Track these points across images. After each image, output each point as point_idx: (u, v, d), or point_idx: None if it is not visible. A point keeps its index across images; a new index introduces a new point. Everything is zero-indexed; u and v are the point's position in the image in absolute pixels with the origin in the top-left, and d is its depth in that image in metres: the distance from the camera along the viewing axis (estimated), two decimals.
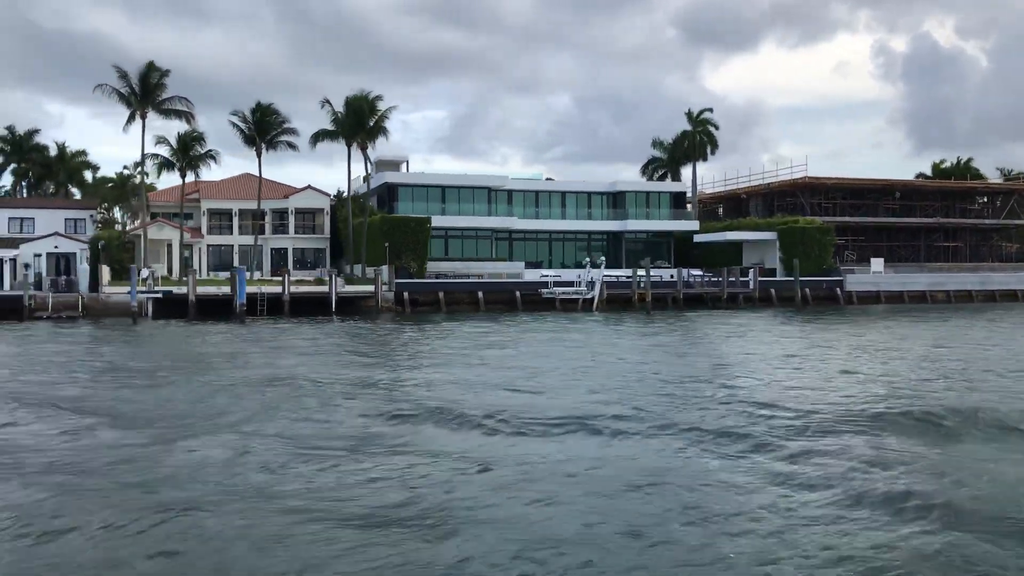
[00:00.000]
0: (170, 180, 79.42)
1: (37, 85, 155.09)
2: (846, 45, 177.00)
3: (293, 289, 49.43)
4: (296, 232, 66.06)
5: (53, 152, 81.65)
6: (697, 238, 70.79)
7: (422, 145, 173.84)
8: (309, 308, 48.84)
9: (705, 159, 78.98)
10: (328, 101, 55.41)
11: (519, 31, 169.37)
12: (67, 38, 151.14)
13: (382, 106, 54.71)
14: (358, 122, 53.75)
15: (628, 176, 79.46)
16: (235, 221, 65.75)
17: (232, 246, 65.39)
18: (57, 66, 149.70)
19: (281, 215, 67.14)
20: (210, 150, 54.69)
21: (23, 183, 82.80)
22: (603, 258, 54.30)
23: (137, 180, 62.31)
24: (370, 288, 51.89)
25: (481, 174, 70.95)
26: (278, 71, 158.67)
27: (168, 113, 51.67)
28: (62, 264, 56.84)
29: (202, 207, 65.72)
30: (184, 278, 50.64)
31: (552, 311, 51.82)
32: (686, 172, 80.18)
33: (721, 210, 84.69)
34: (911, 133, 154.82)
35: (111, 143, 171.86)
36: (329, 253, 66.84)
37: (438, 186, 67.79)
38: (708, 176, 79.59)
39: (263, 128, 55.53)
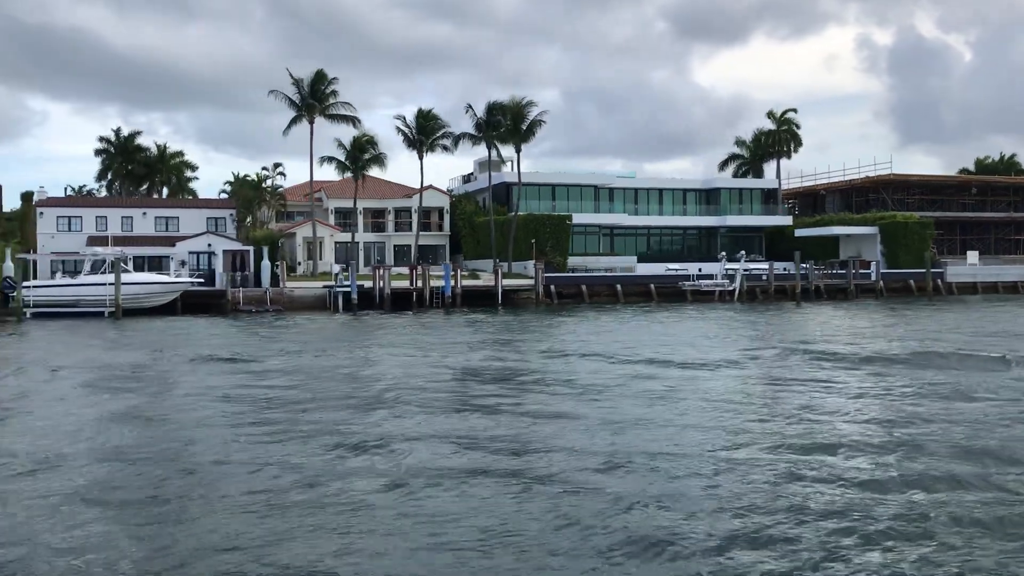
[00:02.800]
0: (295, 179, 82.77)
1: (19, 81, 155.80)
2: (835, 38, 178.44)
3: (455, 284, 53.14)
4: (418, 229, 69.45)
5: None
6: (797, 232, 74.23)
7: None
8: (474, 300, 52.50)
9: (789, 157, 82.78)
10: (471, 106, 59.10)
11: (508, 25, 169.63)
12: (50, 33, 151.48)
13: (533, 111, 58.15)
14: (514, 126, 57.23)
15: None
16: (359, 219, 69.03)
17: (358, 243, 68.69)
18: (39, 62, 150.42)
19: (403, 213, 70.54)
20: (380, 153, 58.06)
21: (128, 184, 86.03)
22: (743, 252, 57.83)
23: (271, 182, 65.55)
24: (523, 282, 55.67)
25: (588, 172, 74.63)
26: (265, 66, 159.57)
27: (335, 118, 55.13)
28: (211, 261, 60.09)
29: (328, 206, 69.08)
30: (343, 272, 54.02)
31: (691, 303, 55.51)
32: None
33: (797, 206, 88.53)
34: (897, 126, 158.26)
35: (92, 141, 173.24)
36: (448, 249, 70.26)
37: (549, 184, 71.50)
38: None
39: (426, 132, 59.02)
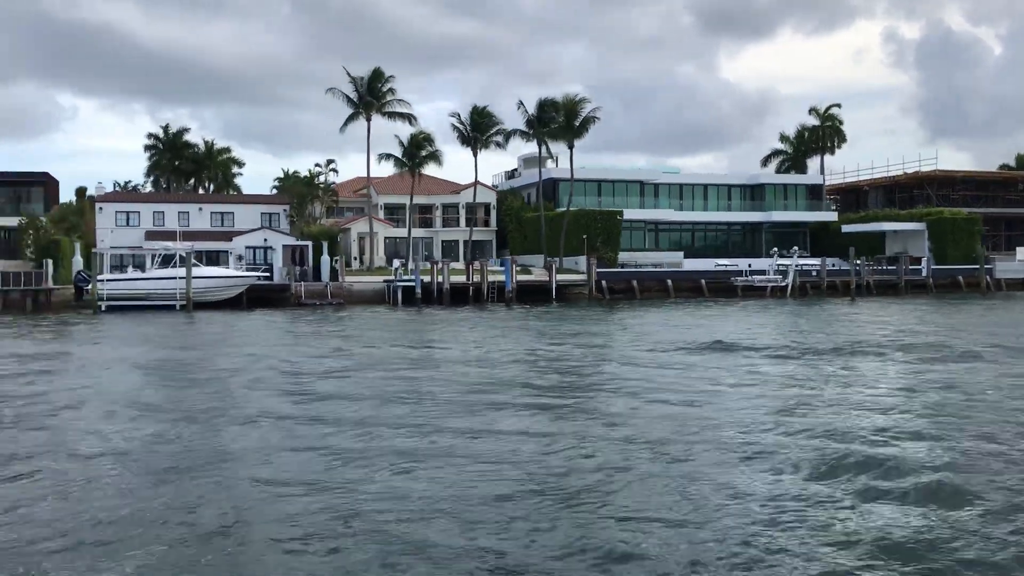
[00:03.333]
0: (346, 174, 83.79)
1: (50, 77, 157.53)
2: (862, 32, 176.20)
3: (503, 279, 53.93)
4: (465, 225, 70.14)
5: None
6: (843, 228, 74.16)
7: (435, 135, 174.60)
8: (528, 295, 53.15)
9: (832, 153, 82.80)
10: (522, 103, 59.80)
11: (533, 20, 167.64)
12: (80, 29, 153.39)
13: (585, 107, 58.72)
14: (567, 123, 57.85)
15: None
16: (413, 216, 69.90)
17: (407, 238, 69.53)
18: (69, 58, 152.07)
19: (449, 209, 71.33)
20: (436, 150, 58.90)
21: (175, 180, 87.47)
22: (796, 248, 58.13)
23: (324, 178, 66.55)
24: (575, 277, 56.36)
25: (634, 168, 75.08)
26: (288, 62, 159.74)
27: (391, 115, 56.05)
28: (269, 256, 61.17)
29: (377, 201, 69.99)
30: (402, 267, 54.89)
31: (741, 298, 55.87)
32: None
33: (839, 202, 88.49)
34: (925, 121, 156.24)
35: (120, 136, 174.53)
36: (495, 245, 70.96)
37: (595, 180, 72.02)
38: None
39: (480, 128, 59.81)
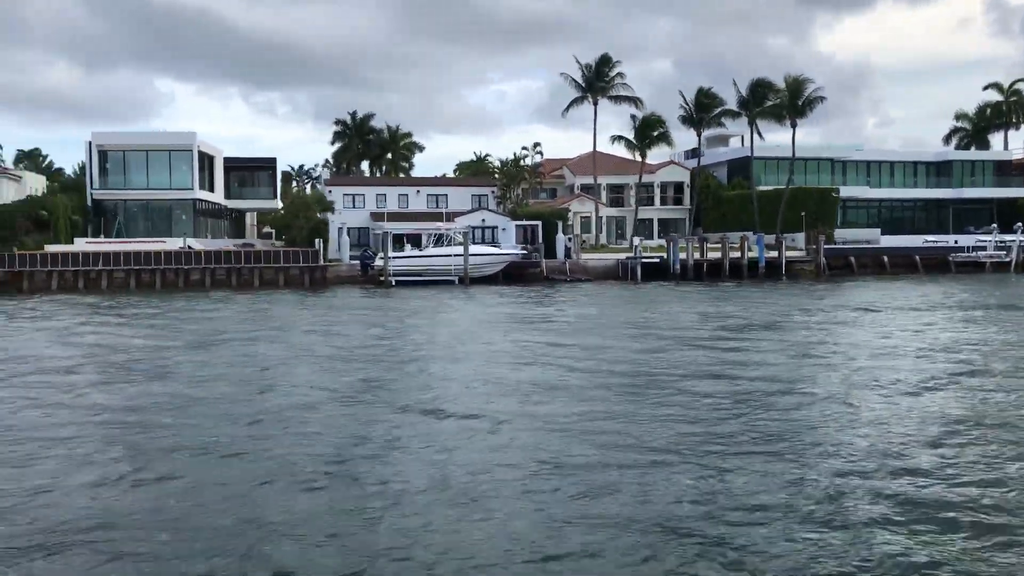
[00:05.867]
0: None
1: (148, 63, 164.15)
2: (964, 2, 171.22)
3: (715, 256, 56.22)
4: (660, 204, 72.57)
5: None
6: None
7: (519, 115, 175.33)
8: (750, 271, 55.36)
9: (1017, 128, 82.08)
10: (735, 82, 61.96)
11: None
12: (178, 15, 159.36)
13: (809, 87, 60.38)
14: (791, 102, 59.71)
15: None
16: (603, 195, 72.72)
17: (602, 217, 72.43)
18: (167, 43, 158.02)
19: (642, 188, 73.85)
20: (666, 131, 61.54)
21: (357, 162, 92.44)
22: (1020, 224, 58.79)
23: (527, 160, 69.85)
24: (796, 254, 58.36)
25: (823, 145, 76.17)
26: (378, 44, 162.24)
27: (617, 99, 58.93)
28: (487, 235, 64.81)
29: (574, 182, 73.02)
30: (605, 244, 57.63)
31: (955, 274, 56.89)
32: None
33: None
34: None
35: (215, 120, 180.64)
36: (689, 223, 73.23)
37: (787, 158, 73.44)
38: (994, 145, 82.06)
39: (704, 108, 62.34)
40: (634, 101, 59.78)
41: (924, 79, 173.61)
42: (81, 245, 53.49)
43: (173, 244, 54.58)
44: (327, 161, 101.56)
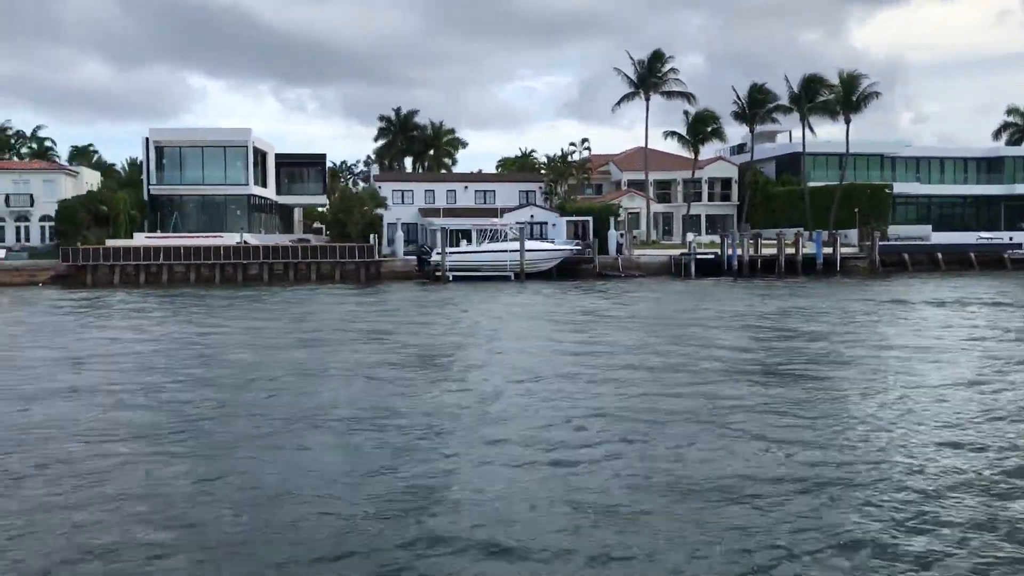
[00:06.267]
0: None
1: (180, 59, 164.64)
2: None
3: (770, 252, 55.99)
4: (708, 200, 72.26)
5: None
6: None
7: (547, 111, 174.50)
8: (806, 267, 55.04)
9: None
10: (787, 77, 61.66)
11: None
12: (208, 11, 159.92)
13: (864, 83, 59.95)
14: (845, 98, 59.23)
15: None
16: (650, 190, 72.53)
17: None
18: (199, 40, 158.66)
19: (689, 184, 73.63)
20: (719, 127, 61.44)
21: (400, 158, 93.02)
22: None
23: (574, 156, 69.90)
24: (849, 251, 58.00)
25: (873, 141, 75.39)
26: (408, 41, 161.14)
27: (670, 95, 58.89)
28: (536, 231, 64.94)
29: (621, 178, 72.96)
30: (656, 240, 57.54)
31: (1010, 271, 56.26)
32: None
33: None
34: None
35: (247, 117, 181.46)
36: (736, 219, 72.87)
37: (836, 154, 72.88)
38: None
39: (757, 104, 62.10)
40: (687, 96, 59.75)
41: (960, 73, 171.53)
42: (140, 240, 54.41)
43: (230, 239, 55.30)
44: (369, 157, 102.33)
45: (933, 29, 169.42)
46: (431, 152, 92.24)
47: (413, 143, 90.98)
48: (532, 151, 76.97)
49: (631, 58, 58.36)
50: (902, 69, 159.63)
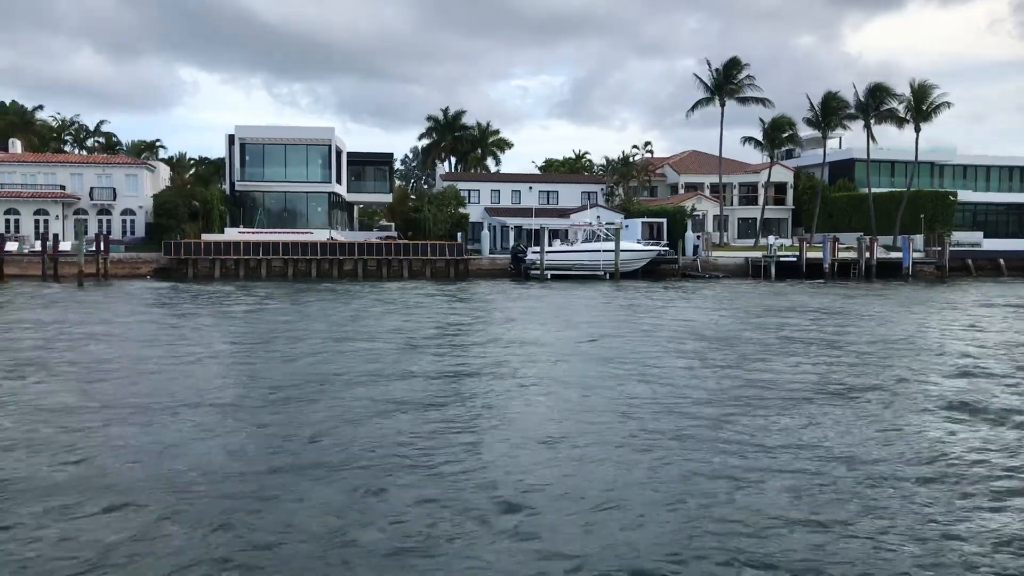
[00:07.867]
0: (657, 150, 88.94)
1: (173, 51, 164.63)
2: (993, 3, 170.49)
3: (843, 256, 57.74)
4: (765, 203, 73.88)
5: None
6: None
7: (539, 110, 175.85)
8: (880, 272, 56.75)
9: None
10: (855, 85, 63.47)
11: None
12: (203, 4, 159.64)
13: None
14: (916, 107, 60.90)
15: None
16: (706, 192, 74.19)
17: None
18: (192, 33, 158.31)
19: (744, 188, 75.29)
20: (794, 132, 62.96)
21: (453, 157, 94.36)
22: None
23: (636, 158, 71.41)
24: (915, 255, 59.77)
25: (926, 148, 77.24)
26: (402, 37, 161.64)
27: (745, 100, 60.51)
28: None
29: (677, 180, 74.53)
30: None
31: None
32: None
33: None
34: None
35: (239, 110, 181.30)
36: (791, 222, 74.60)
37: (889, 160, 74.79)
38: None
39: (830, 112, 63.72)
40: (763, 102, 61.38)
41: (952, 81, 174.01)
42: (233, 235, 55.62)
43: (320, 235, 56.58)
44: (407, 156, 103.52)
45: (926, 37, 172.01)
46: (477, 152, 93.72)
47: (460, 143, 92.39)
48: (586, 152, 78.50)
49: (708, 64, 60.25)
50: (896, 75, 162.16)
